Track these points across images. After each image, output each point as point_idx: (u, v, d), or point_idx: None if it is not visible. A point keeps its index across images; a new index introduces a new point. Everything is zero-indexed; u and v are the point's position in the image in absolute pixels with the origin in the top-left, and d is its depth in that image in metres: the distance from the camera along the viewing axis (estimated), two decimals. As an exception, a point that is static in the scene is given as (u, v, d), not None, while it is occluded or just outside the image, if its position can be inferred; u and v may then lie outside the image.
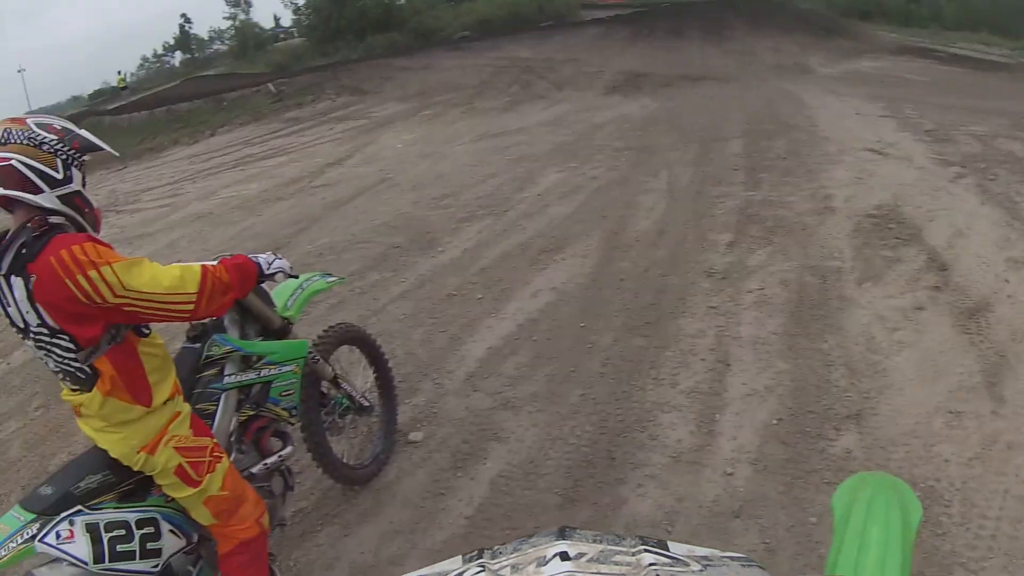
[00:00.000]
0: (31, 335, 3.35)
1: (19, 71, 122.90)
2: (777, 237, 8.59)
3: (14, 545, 3.31)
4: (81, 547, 3.37)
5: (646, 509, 4.64)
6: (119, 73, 68.80)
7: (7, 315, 3.39)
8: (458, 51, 37.68)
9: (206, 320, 4.34)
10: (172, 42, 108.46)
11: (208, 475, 3.61)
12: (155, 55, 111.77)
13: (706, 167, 12.26)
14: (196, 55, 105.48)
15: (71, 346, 3.31)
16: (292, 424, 4.71)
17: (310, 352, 4.75)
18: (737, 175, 11.53)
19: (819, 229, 8.75)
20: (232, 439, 4.30)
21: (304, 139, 24.98)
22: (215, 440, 3.79)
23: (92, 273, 3.12)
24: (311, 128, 27.00)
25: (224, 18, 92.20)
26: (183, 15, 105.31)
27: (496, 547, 1.71)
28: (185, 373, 3.99)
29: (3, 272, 3.24)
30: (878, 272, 7.50)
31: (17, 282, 3.21)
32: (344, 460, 5.30)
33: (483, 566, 1.61)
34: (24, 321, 3.31)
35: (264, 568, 3.85)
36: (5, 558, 3.27)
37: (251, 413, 4.39)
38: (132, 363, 3.47)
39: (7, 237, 3.28)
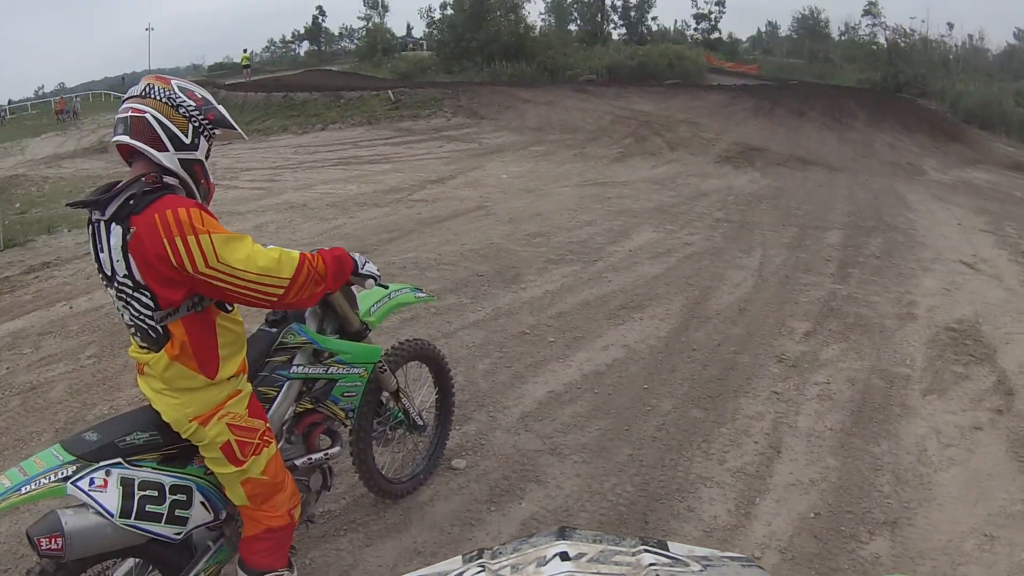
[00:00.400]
0: (115, 284, 3.43)
1: (147, 29, 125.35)
2: (854, 335, 8.53)
3: (46, 482, 3.35)
4: (111, 498, 3.41)
5: (667, 579, 4.61)
6: (245, 51, 69.25)
7: (98, 260, 3.50)
8: (582, 93, 37.58)
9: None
10: (302, 31, 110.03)
11: (252, 457, 3.67)
12: (282, 40, 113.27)
13: (800, 253, 12.19)
14: (323, 48, 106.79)
15: (150, 303, 3.39)
16: (345, 425, 4.77)
17: (380, 360, 4.79)
18: (828, 266, 11.45)
19: (896, 334, 8.67)
20: (284, 428, 4.36)
21: (412, 151, 25.24)
22: (268, 425, 3.85)
23: (191, 239, 3.21)
24: (421, 142, 27.20)
25: (358, 18, 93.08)
26: (318, 7, 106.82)
27: (496, 547, 1.77)
28: (255, 355, 4.08)
29: (105, 218, 3.34)
30: (945, 386, 7.41)
31: (116, 230, 3.30)
32: (383, 472, 5.34)
33: (483, 566, 1.66)
34: (112, 269, 3.40)
35: (284, 558, 3.89)
36: (35, 492, 3.33)
37: (309, 407, 4.45)
38: (206, 333, 3.55)
39: (118, 185, 3.41)
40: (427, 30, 78.52)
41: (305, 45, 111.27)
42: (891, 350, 8.15)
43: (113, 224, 3.31)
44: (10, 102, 74.56)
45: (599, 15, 77.12)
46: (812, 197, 18.19)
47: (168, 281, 3.31)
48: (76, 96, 65.16)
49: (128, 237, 3.26)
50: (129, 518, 3.43)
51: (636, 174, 20.38)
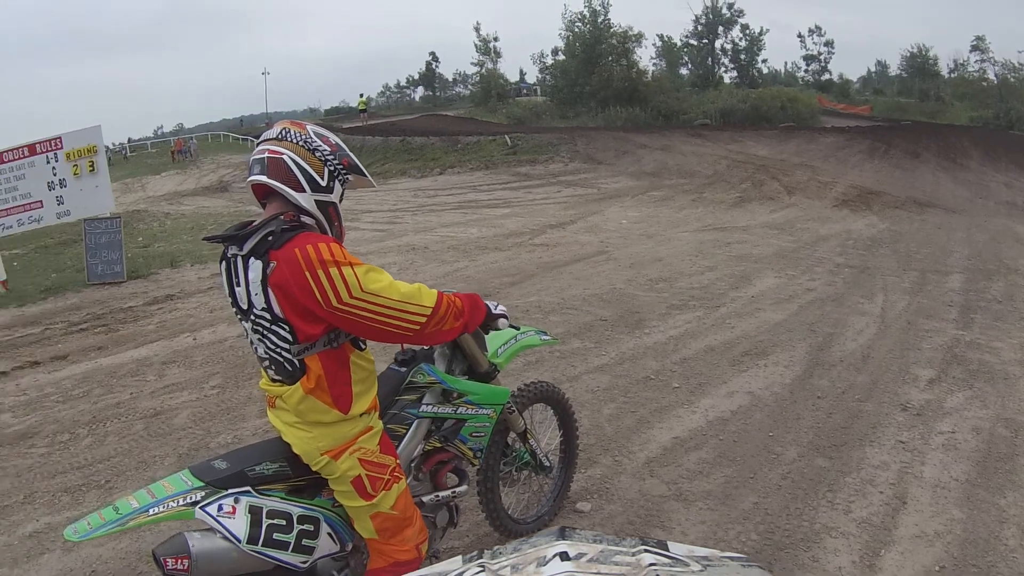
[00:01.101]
0: (252, 317, 3.54)
1: (263, 73, 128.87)
2: (978, 382, 8.36)
3: (174, 505, 3.44)
4: (239, 525, 3.50)
5: (787, 631, 4.48)
6: (361, 96, 70.86)
7: (232, 294, 3.62)
8: (697, 137, 37.41)
9: (417, 348, 4.51)
10: (416, 76, 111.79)
11: (383, 492, 3.72)
12: (397, 85, 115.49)
13: (921, 298, 12.06)
14: (437, 93, 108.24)
15: (288, 337, 3.48)
16: (474, 465, 4.80)
17: (508, 402, 4.84)
18: (950, 311, 11.31)
19: (1020, 381, 8.46)
20: (412, 465, 4.41)
21: (531, 196, 25.46)
22: (398, 461, 3.89)
23: (333, 271, 3.31)
24: (539, 187, 27.42)
25: (471, 63, 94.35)
26: (432, 53, 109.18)
27: (496, 547, 1.80)
28: (385, 393, 4.11)
29: (243, 253, 3.47)
30: (1072, 436, 7.21)
31: (256, 264, 3.41)
32: (509, 512, 5.33)
33: (483, 566, 1.68)
34: (249, 303, 3.51)
35: None
36: (163, 514, 3.40)
37: (437, 445, 4.49)
38: (341, 369, 3.62)
39: (256, 223, 3.52)
40: (540, 75, 79.40)
41: (420, 90, 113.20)
42: (1016, 398, 7.98)
43: (252, 259, 3.44)
44: (130, 140, 77.10)
45: (709, 59, 76.92)
46: (930, 240, 17.97)
47: (308, 315, 3.42)
48: (193, 137, 67.26)
49: (268, 271, 3.37)
50: (256, 544, 3.54)
51: (755, 219, 20.35)
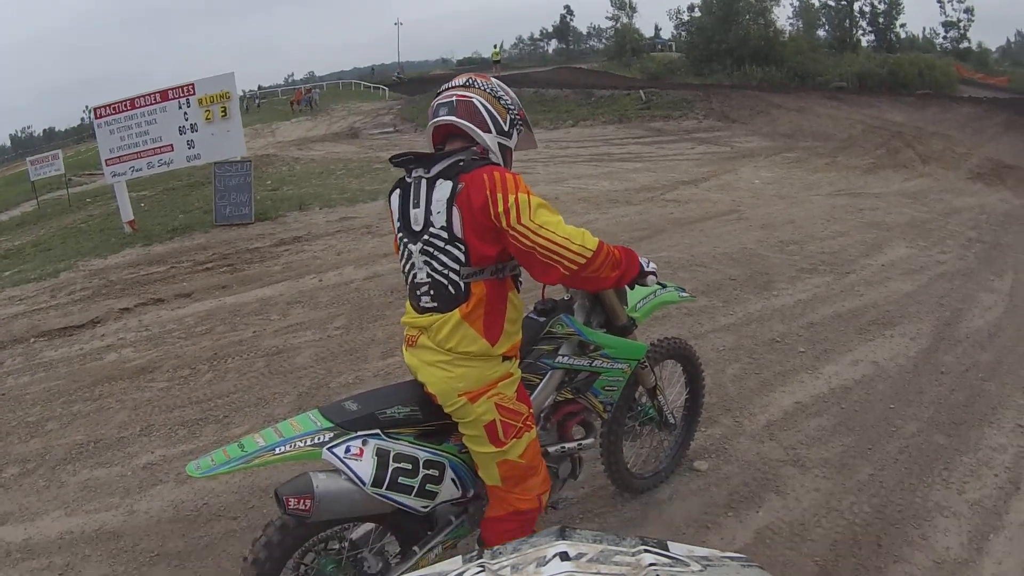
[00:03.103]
0: (425, 236, 3.67)
1: (396, 24, 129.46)
2: None
3: (302, 444, 3.53)
4: (366, 467, 3.56)
5: (893, 606, 4.56)
6: (495, 46, 70.32)
7: (404, 216, 3.78)
8: (833, 100, 36.48)
9: (558, 298, 4.61)
10: (550, 30, 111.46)
11: (514, 439, 3.81)
12: (531, 38, 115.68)
13: (1054, 279, 11.67)
14: (571, 47, 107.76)
15: (460, 258, 3.60)
16: (603, 419, 4.83)
17: (643, 357, 4.88)
18: (1083, 296, 10.90)
19: None
20: (542, 415, 4.47)
21: (663, 151, 25.41)
22: (531, 410, 3.96)
23: (511, 196, 3.48)
24: (672, 143, 27.33)
25: (606, 18, 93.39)
26: (566, 6, 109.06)
27: (496, 547, 1.82)
28: (523, 341, 4.07)
29: (430, 175, 3.64)
30: None
31: (444, 184, 3.57)
32: (628, 466, 5.44)
33: (483, 566, 1.69)
34: (427, 222, 3.64)
35: None
36: (291, 453, 3.51)
37: (568, 396, 4.54)
38: (500, 300, 3.74)
39: (445, 150, 3.77)
40: (675, 31, 78.35)
41: (554, 43, 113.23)
42: None
43: (440, 180, 3.60)
44: (260, 87, 78.36)
45: (847, 20, 75.02)
46: (1066, 220, 17.42)
47: (485, 234, 3.56)
48: (317, 87, 68.21)
49: (457, 190, 3.53)
50: (381, 487, 3.60)
51: (888, 187, 19.98)
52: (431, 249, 3.69)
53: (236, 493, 6.00)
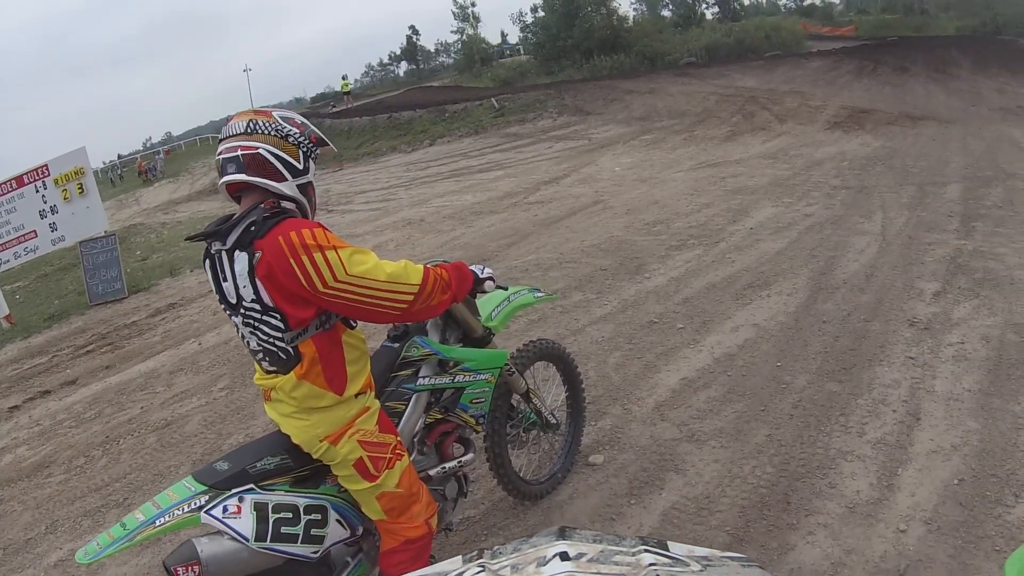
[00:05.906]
0: (242, 310, 3.51)
1: (245, 70, 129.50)
2: (984, 290, 8.31)
3: (179, 513, 3.42)
4: (246, 523, 3.47)
5: (813, 558, 4.58)
6: (344, 78, 70.74)
7: (220, 291, 3.59)
8: (684, 76, 37.40)
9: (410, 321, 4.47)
10: (398, 52, 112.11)
11: (386, 471, 3.70)
12: (380, 63, 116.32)
13: (921, 212, 12.02)
14: (421, 66, 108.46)
15: (280, 325, 3.44)
16: (477, 432, 4.75)
17: (507, 364, 4.80)
18: (951, 222, 11.26)
19: None
20: (415, 440, 4.38)
21: (522, 155, 25.45)
22: (399, 438, 3.86)
23: (318, 256, 3.28)
24: (530, 145, 27.47)
25: (451, 32, 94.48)
26: (411, 27, 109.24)
27: (496, 547, 1.79)
28: (380, 371, 4.11)
29: (227, 247, 3.43)
30: (1084, 332, 7.13)
31: (241, 256, 3.37)
32: (521, 474, 5.34)
33: (483, 566, 1.67)
34: (238, 296, 3.47)
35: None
36: (169, 524, 3.38)
37: (439, 416, 4.46)
38: (334, 351, 3.59)
39: (236, 216, 3.48)
40: (521, 35, 79.19)
41: (404, 65, 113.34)
42: (1023, 303, 7.91)
43: (237, 251, 3.40)
44: (119, 157, 77.66)
45: (690, -3, 76.64)
46: (926, 153, 17.97)
47: (297, 299, 3.39)
48: (158, 152, 68.25)
49: (254, 262, 3.34)
50: (265, 541, 3.51)
51: (748, 151, 20.31)
52: (251, 321, 3.54)
53: (148, 573, 5.71)
